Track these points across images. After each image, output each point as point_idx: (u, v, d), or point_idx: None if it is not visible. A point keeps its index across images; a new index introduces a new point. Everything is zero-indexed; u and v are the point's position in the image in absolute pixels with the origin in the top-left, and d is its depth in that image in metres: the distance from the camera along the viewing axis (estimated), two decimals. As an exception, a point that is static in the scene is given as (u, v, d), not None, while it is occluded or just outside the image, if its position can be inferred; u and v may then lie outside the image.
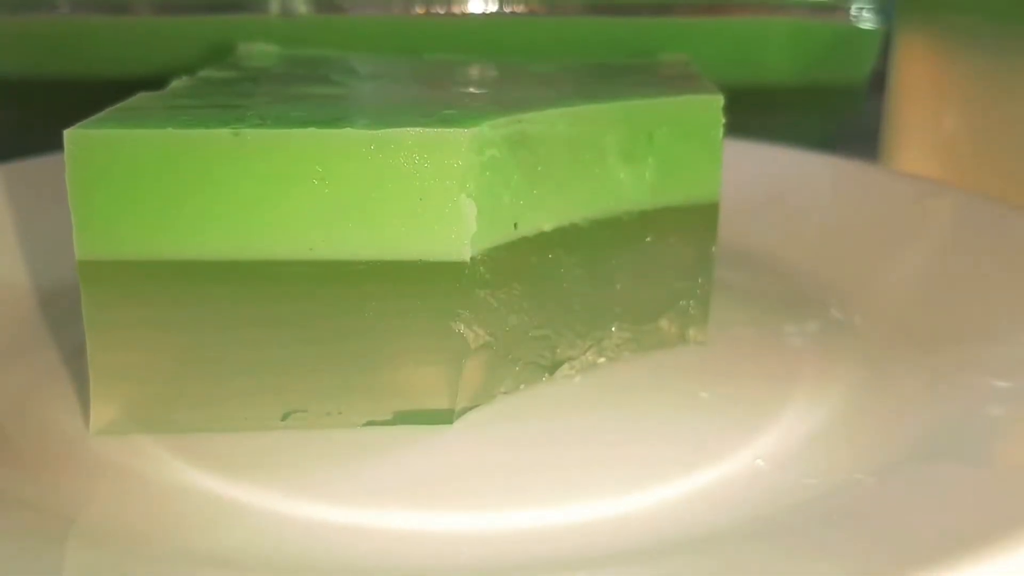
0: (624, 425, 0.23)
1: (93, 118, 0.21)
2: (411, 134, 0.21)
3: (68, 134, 0.20)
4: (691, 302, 0.26)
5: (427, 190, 0.21)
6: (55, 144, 0.20)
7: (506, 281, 0.23)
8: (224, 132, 0.20)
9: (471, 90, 0.27)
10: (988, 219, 0.28)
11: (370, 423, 0.22)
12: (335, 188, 0.21)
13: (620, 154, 0.24)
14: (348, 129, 0.20)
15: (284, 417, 0.22)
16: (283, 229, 0.21)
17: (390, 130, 0.21)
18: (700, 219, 0.26)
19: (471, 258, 0.21)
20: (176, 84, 0.25)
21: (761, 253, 0.32)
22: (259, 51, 0.31)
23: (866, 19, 0.41)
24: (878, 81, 0.40)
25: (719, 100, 0.25)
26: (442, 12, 0.39)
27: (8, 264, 0.28)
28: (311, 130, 0.20)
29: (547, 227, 0.23)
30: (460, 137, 0.21)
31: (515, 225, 0.23)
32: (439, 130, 0.21)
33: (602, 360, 0.25)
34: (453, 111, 0.22)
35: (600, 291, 0.25)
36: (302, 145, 0.20)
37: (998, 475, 0.19)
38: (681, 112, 0.25)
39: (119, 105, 0.22)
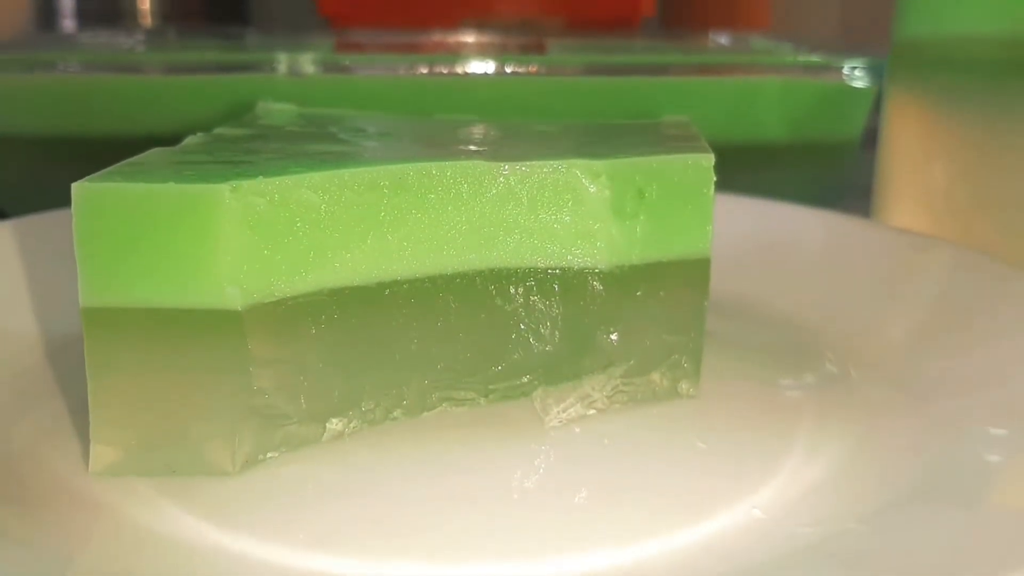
0: (620, 475, 0.23)
1: (100, 172, 0.22)
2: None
3: (75, 187, 0.21)
4: (683, 356, 0.26)
5: None
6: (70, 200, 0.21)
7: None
8: (220, 187, 0.21)
9: (471, 147, 0.27)
10: (978, 271, 0.29)
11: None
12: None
13: (611, 209, 0.25)
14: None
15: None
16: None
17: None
18: (691, 274, 0.26)
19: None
20: (189, 140, 0.26)
21: (756, 307, 0.32)
22: (277, 110, 0.32)
23: (858, 78, 0.42)
24: (870, 138, 0.40)
25: (710, 159, 0.26)
26: (446, 72, 0.40)
27: (19, 315, 0.29)
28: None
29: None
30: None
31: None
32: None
33: (592, 412, 0.25)
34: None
35: (582, 340, 0.25)
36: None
37: (995, 522, 0.19)
38: (672, 170, 0.25)
39: (129, 160, 0.23)
